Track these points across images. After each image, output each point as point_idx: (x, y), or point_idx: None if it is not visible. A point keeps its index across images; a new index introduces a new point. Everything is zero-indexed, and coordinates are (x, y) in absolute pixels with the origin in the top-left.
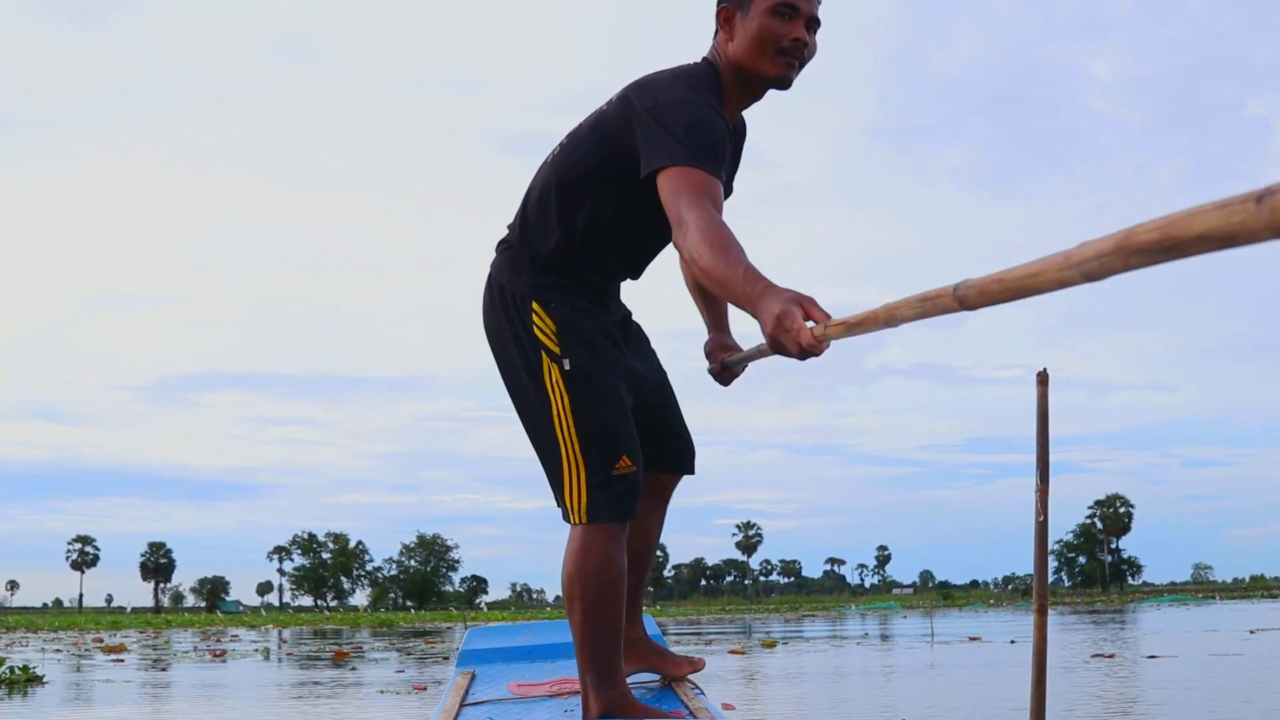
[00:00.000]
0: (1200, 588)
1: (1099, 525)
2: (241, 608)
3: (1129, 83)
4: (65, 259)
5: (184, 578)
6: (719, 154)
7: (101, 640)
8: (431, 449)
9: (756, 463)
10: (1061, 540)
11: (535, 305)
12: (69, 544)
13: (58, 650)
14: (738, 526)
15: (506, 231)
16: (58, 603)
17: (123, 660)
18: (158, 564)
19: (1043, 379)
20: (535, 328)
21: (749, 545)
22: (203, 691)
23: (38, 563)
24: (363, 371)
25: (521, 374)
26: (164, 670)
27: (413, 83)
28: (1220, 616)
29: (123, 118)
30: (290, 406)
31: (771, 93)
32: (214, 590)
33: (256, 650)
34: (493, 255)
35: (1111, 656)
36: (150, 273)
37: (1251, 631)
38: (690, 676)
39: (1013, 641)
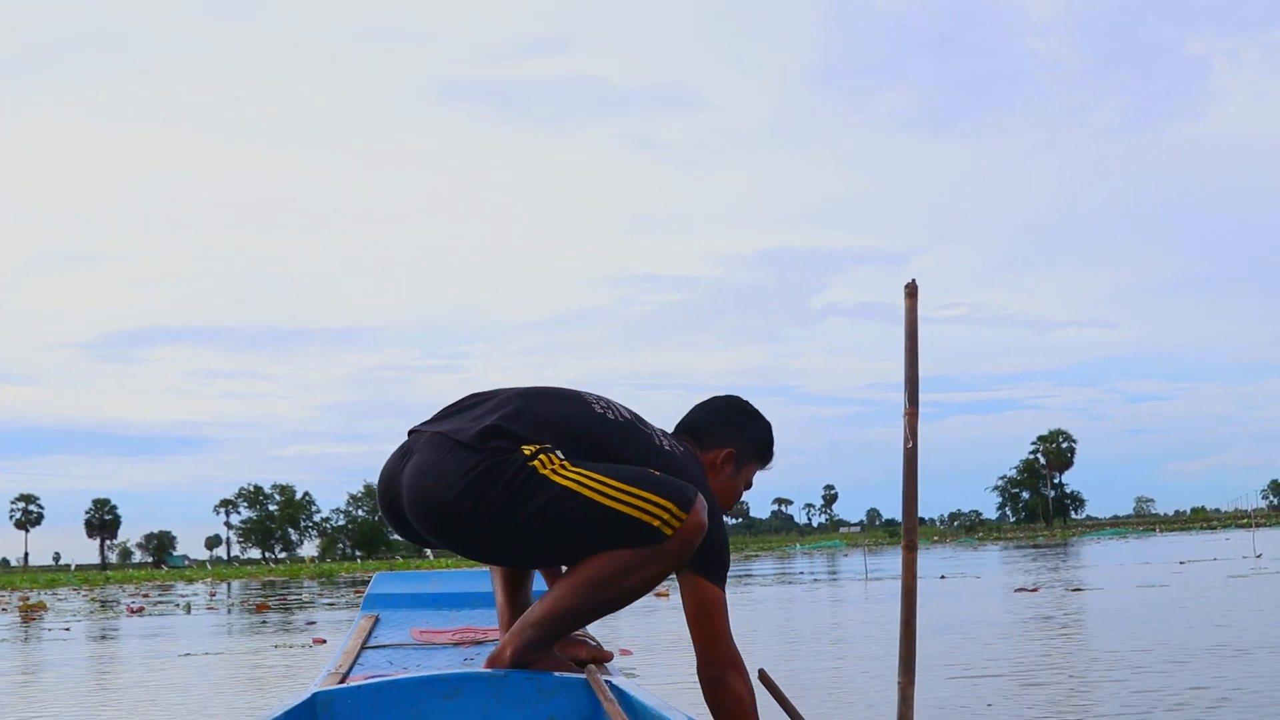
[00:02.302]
0: (1142, 520)
1: (1042, 460)
2: (188, 562)
3: (1068, 21)
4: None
5: (131, 534)
6: None
7: (28, 599)
8: (378, 399)
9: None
10: (1005, 476)
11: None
12: (12, 503)
13: None
14: None
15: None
16: (4, 562)
17: (35, 619)
18: (103, 521)
19: (911, 291)
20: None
21: None
22: (89, 650)
23: None
24: (307, 323)
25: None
26: (66, 629)
27: (348, 34)
28: (1156, 549)
29: (56, 75)
30: (235, 360)
31: (710, 25)
32: (161, 545)
33: (178, 606)
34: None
35: (1035, 590)
36: (89, 230)
37: (1182, 563)
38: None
39: (943, 577)
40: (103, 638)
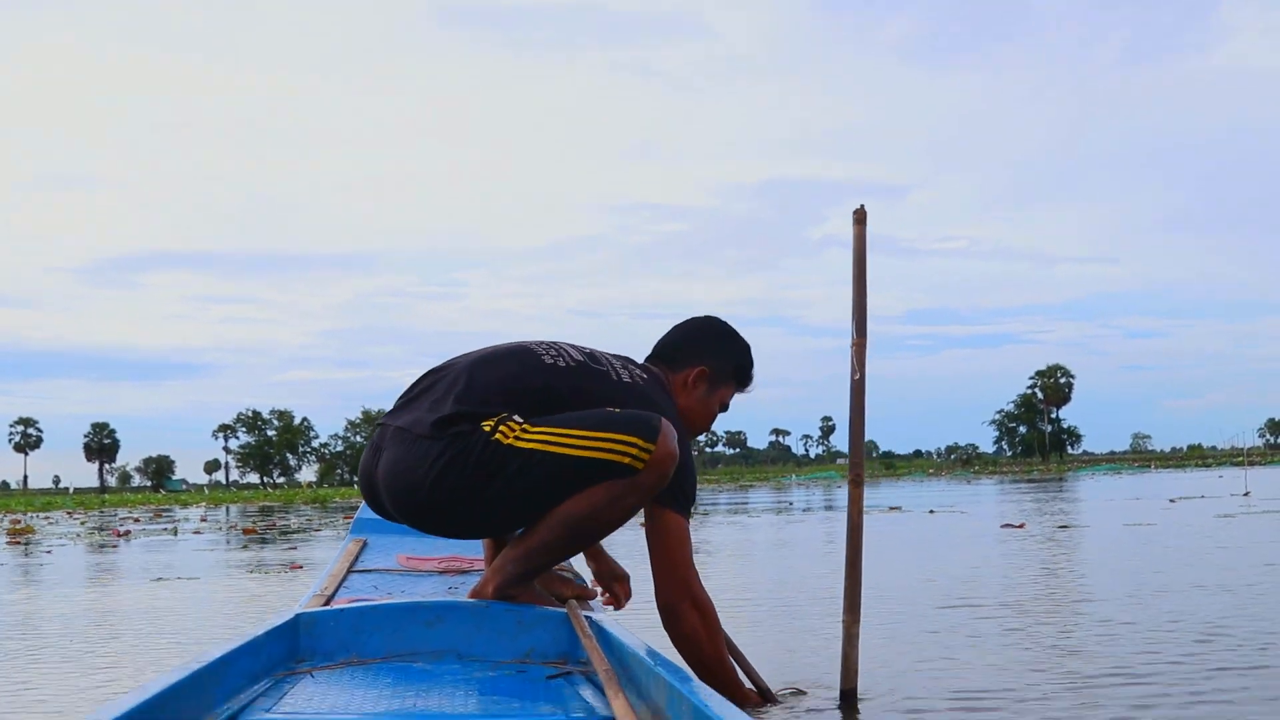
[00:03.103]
0: (1138, 457)
1: (1039, 395)
2: (187, 486)
3: None
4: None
5: (130, 457)
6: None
7: (20, 521)
8: (377, 325)
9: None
10: (1002, 410)
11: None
12: (10, 426)
13: None
14: None
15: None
16: (4, 485)
17: (17, 543)
18: (101, 445)
19: (859, 218)
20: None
21: None
22: (64, 574)
23: None
24: (305, 249)
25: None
26: (48, 552)
27: None
28: (1149, 485)
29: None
30: (233, 285)
31: None
32: (159, 469)
33: (166, 530)
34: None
35: (1021, 526)
36: (85, 153)
37: (1172, 500)
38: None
39: (931, 512)
40: (83, 561)
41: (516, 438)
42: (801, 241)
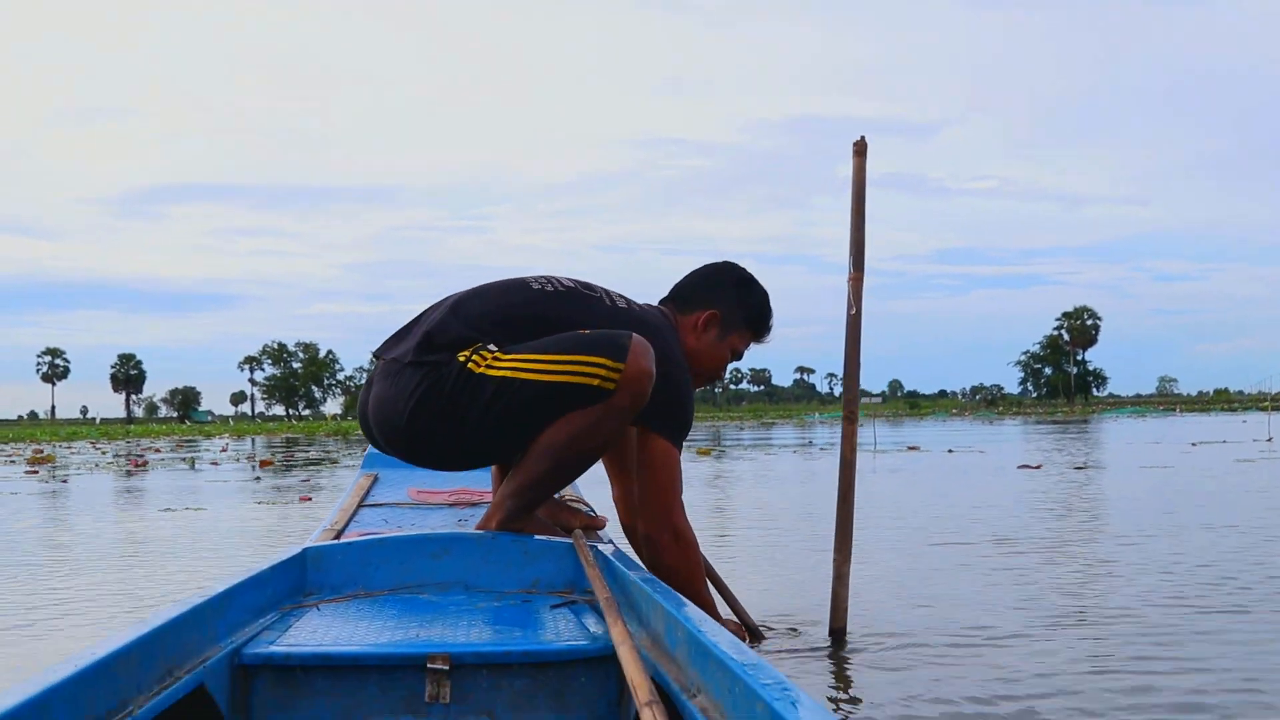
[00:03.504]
0: (1163, 400)
1: (1066, 337)
2: (212, 417)
3: None
4: (26, 72)
5: (156, 388)
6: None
7: (41, 452)
8: (403, 258)
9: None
10: (1028, 351)
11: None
12: (38, 357)
13: None
14: None
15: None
16: (32, 415)
17: (36, 471)
18: (128, 375)
19: (859, 149)
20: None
21: None
22: (74, 502)
23: (9, 376)
24: (333, 182)
25: (466, 412)
26: (63, 481)
27: None
28: (1172, 429)
29: None
30: (261, 217)
31: None
32: (185, 401)
33: (184, 461)
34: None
35: (1038, 467)
36: (112, 84)
37: (1193, 444)
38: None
39: (950, 451)
40: (95, 490)
41: (489, 366)
42: (829, 179)
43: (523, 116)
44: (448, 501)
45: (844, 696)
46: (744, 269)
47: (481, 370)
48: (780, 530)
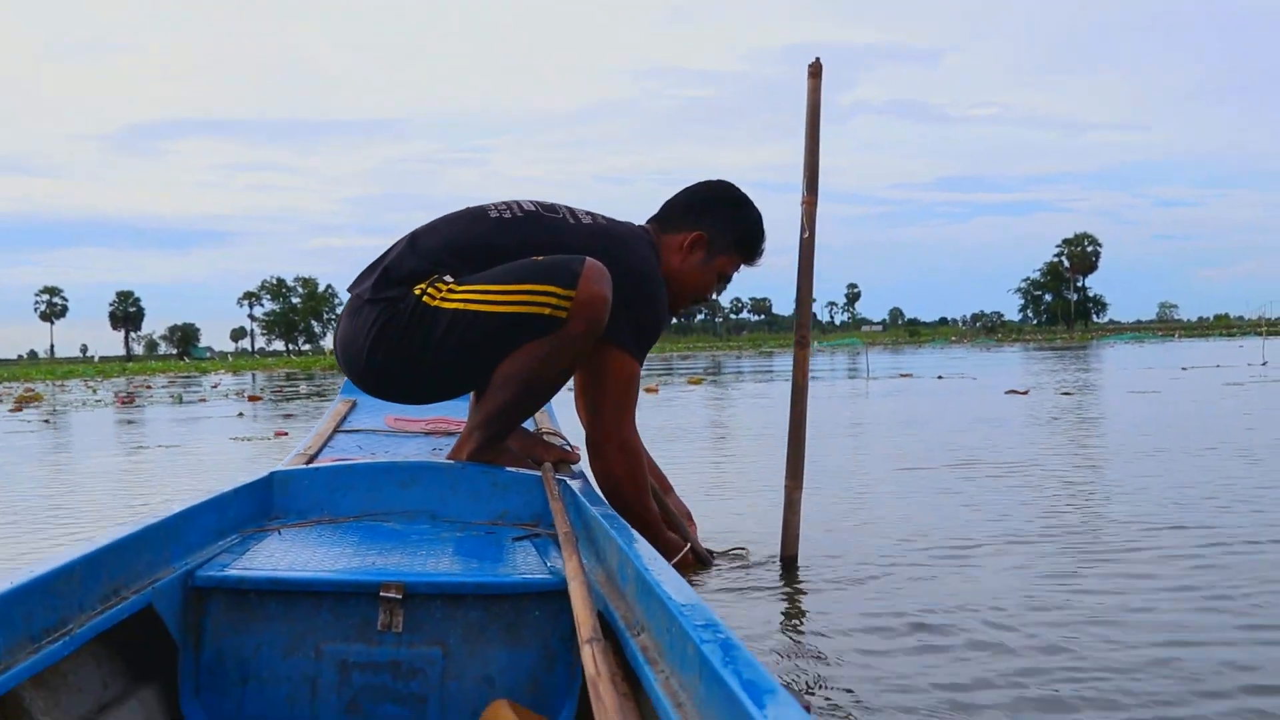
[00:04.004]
0: (1163, 326)
1: (1066, 264)
2: (211, 354)
3: None
4: (22, 5)
5: (156, 326)
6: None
7: (32, 390)
8: (402, 192)
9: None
10: (1028, 278)
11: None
12: (36, 295)
13: None
14: None
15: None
16: (32, 355)
17: (20, 410)
18: (126, 313)
19: (814, 71)
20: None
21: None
22: (48, 439)
23: (8, 316)
24: (331, 116)
25: (423, 342)
26: (45, 421)
27: None
28: (1167, 354)
29: None
30: (259, 152)
31: None
32: (185, 338)
33: (172, 397)
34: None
35: (1026, 393)
36: (112, 18)
37: (1184, 369)
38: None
39: (940, 377)
40: (75, 428)
41: (443, 298)
42: (832, 106)
43: (523, 48)
44: (424, 429)
45: (786, 623)
46: (737, 188)
47: (436, 303)
48: (747, 458)
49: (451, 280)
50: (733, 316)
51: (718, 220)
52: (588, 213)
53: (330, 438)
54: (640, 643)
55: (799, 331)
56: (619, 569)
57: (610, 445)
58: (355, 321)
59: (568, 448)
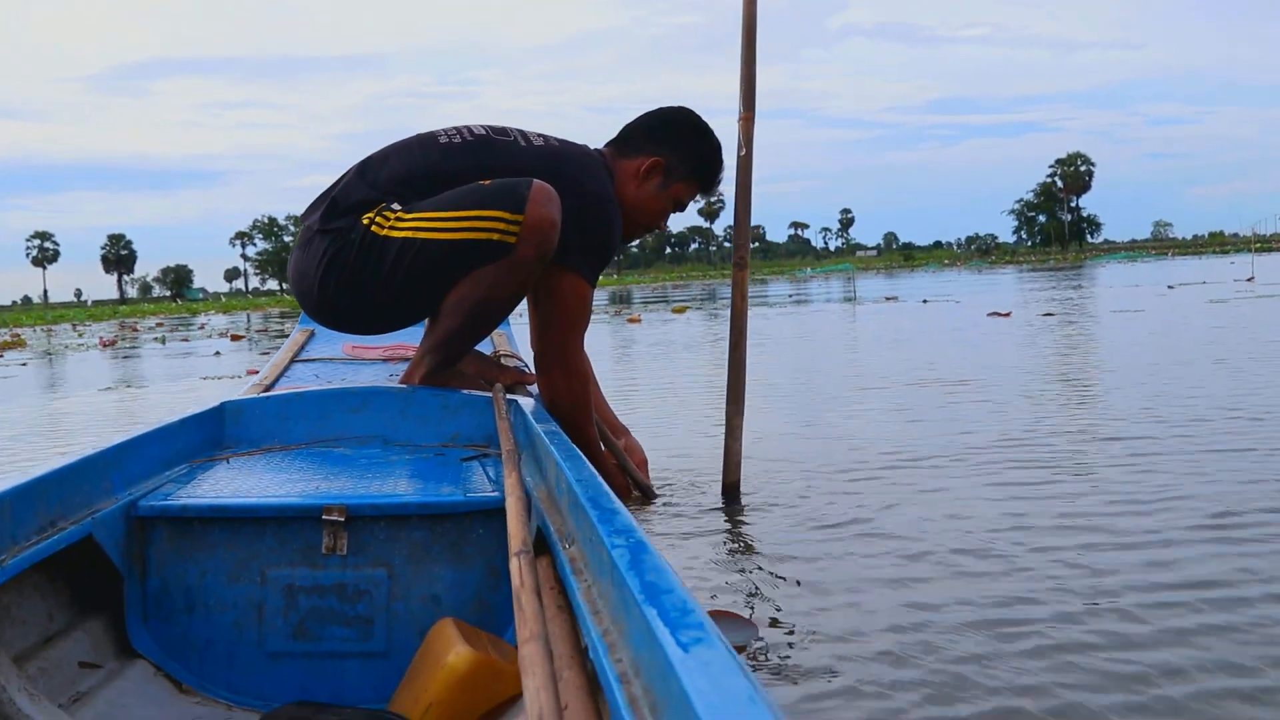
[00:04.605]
0: (1158, 245)
1: (1059, 184)
2: (205, 295)
3: None
4: None
5: (149, 268)
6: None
7: (18, 335)
8: (391, 127)
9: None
10: (1021, 199)
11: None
12: (27, 240)
13: None
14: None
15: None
16: (26, 300)
17: (0, 356)
18: (118, 256)
19: None
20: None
21: (712, 212)
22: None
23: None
24: (317, 51)
25: (375, 268)
26: (23, 365)
27: None
28: (1158, 273)
29: None
30: (246, 90)
31: None
32: (178, 279)
33: (157, 340)
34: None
35: (1008, 315)
36: None
37: (1170, 286)
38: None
39: (924, 301)
40: (51, 372)
41: (391, 227)
42: (821, 30)
43: None
44: (382, 356)
45: (723, 550)
46: (698, 116)
47: (385, 232)
48: (713, 387)
49: (400, 208)
50: (726, 245)
51: (676, 146)
52: (540, 135)
53: (287, 367)
54: (570, 554)
55: (737, 253)
56: (556, 483)
57: (555, 365)
58: (306, 253)
59: (525, 370)
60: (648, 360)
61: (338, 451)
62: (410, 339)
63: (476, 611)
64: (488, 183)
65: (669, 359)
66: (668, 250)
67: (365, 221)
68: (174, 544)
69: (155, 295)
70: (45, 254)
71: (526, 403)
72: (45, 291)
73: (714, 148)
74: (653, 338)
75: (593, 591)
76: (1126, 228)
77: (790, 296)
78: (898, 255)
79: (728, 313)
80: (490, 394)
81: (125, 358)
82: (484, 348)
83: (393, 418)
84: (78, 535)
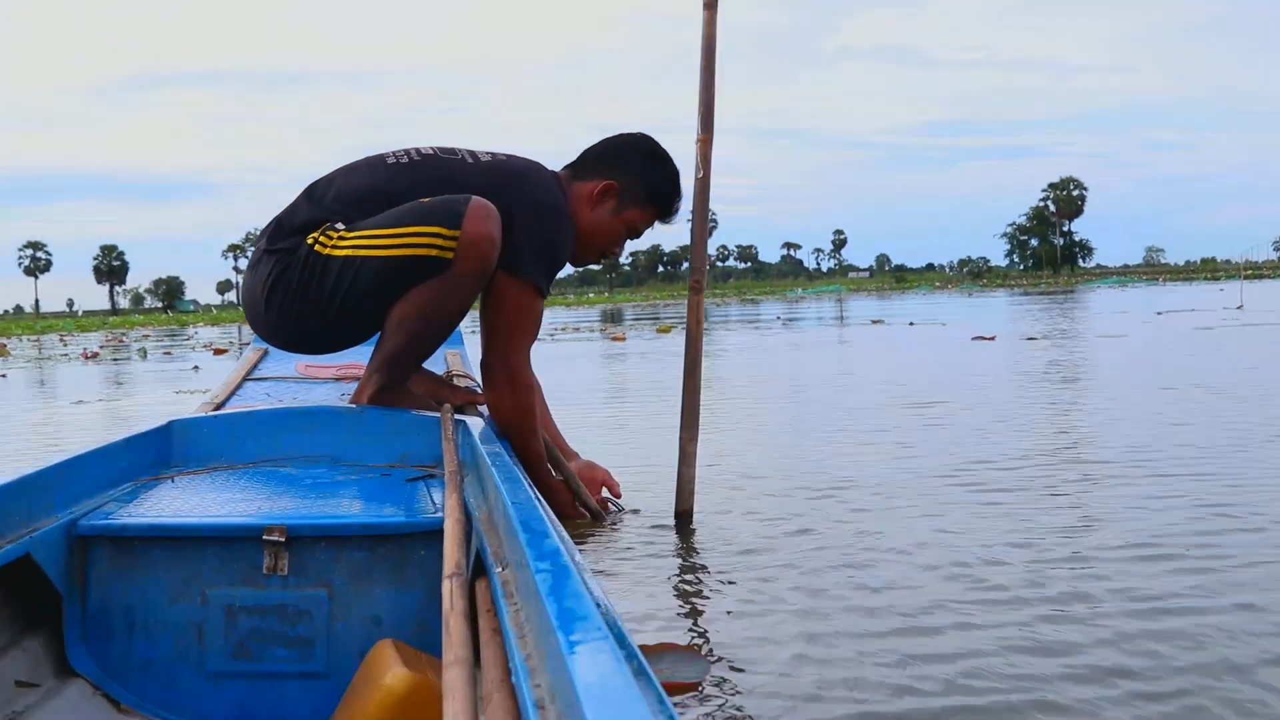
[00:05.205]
0: (1150, 270)
1: (1051, 208)
2: (196, 307)
3: None
4: None
5: (141, 279)
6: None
7: (3, 345)
8: (389, 140)
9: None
10: (1014, 223)
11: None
12: (19, 250)
13: None
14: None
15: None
16: (18, 309)
17: None
18: (110, 267)
19: (709, 3)
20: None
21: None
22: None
23: None
24: (315, 66)
25: (320, 288)
26: (2, 375)
27: None
28: (1147, 298)
29: None
30: (243, 103)
31: None
32: (170, 291)
33: (138, 352)
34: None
35: (993, 338)
36: None
37: (1158, 313)
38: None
39: (910, 324)
40: (28, 383)
41: (334, 246)
42: (816, 53)
43: None
44: (335, 375)
45: (670, 581)
46: (656, 143)
47: (328, 251)
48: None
49: (343, 228)
50: (719, 264)
51: (631, 171)
52: (489, 152)
53: (239, 386)
54: (502, 578)
55: (693, 276)
56: (494, 506)
57: (499, 375)
58: (254, 274)
59: (476, 390)
60: (620, 380)
61: (284, 471)
62: (363, 358)
63: (417, 633)
64: (427, 200)
65: (640, 380)
66: (659, 269)
67: (310, 241)
68: (114, 563)
69: (147, 306)
70: (37, 264)
71: (475, 423)
72: (37, 301)
73: (670, 175)
74: (631, 358)
75: (520, 615)
76: (1119, 253)
77: (778, 318)
78: (890, 277)
79: (714, 335)
80: (436, 413)
81: (104, 371)
82: (437, 367)
83: (341, 437)
84: (15, 554)
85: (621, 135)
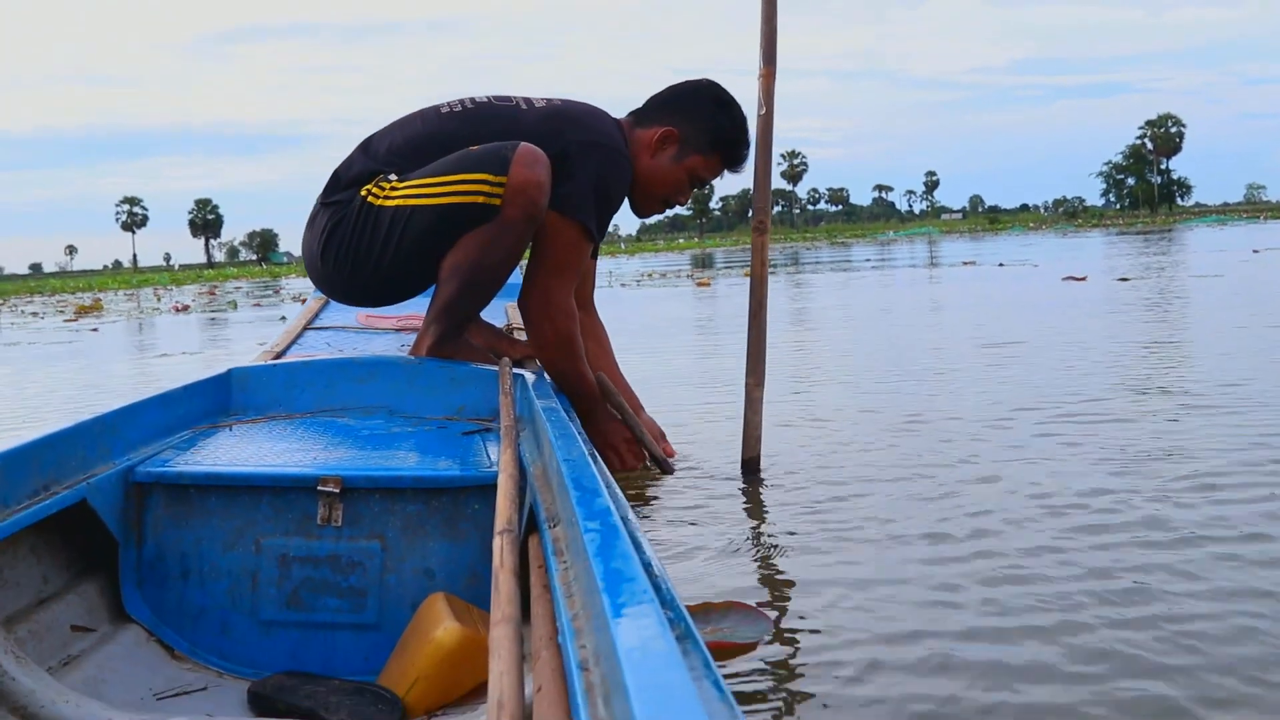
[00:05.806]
0: (1251, 208)
1: (1149, 146)
2: (289, 259)
3: None
4: None
5: (236, 232)
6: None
7: (99, 300)
8: (477, 88)
9: (801, 91)
10: (1110, 162)
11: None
12: (116, 205)
13: (35, 314)
14: (782, 156)
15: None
16: (117, 264)
17: (75, 320)
18: (205, 221)
19: None
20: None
21: (794, 174)
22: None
23: (92, 227)
24: (403, 15)
25: (373, 230)
26: (93, 330)
27: None
28: (1247, 236)
29: None
30: (332, 54)
31: None
32: (264, 243)
33: (230, 304)
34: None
35: (1084, 279)
36: None
37: (1256, 251)
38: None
39: (1001, 264)
40: (119, 337)
41: (386, 197)
42: None
43: None
44: (395, 326)
45: (739, 531)
46: (722, 89)
47: (380, 202)
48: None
49: (395, 178)
50: (810, 208)
51: (694, 117)
52: (545, 99)
53: (299, 335)
54: (554, 535)
55: (757, 217)
56: (549, 462)
57: (537, 306)
58: (312, 229)
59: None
60: (699, 328)
61: (341, 421)
62: (423, 308)
63: (469, 587)
64: (475, 148)
65: (719, 326)
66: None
67: (363, 193)
68: (170, 510)
69: (242, 259)
70: (134, 219)
71: (532, 378)
72: (135, 256)
73: (735, 121)
74: (714, 301)
75: (569, 574)
76: (1218, 190)
77: (868, 260)
78: (983, 218)
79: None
80: (493, 366)
81: (192, 322)
82: (498, 320)
83: (399, 389)
84: (71, 500)
85: (686, 82)
